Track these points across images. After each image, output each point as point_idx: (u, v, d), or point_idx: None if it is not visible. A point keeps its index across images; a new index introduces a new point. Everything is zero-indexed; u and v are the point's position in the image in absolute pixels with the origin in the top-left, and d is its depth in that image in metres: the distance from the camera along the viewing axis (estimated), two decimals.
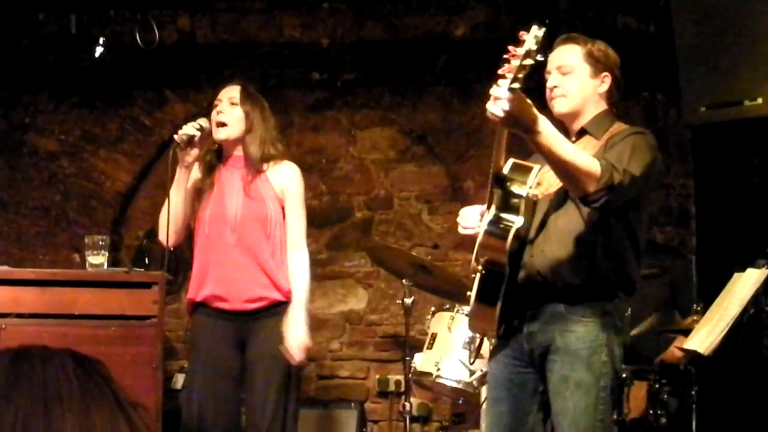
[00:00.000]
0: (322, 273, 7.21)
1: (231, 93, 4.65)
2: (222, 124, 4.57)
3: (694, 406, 5.17)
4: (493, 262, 3.62)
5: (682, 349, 4.82)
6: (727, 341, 4.52)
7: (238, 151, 4.65)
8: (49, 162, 7.20)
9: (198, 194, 4.61)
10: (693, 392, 5.18)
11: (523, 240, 3.69)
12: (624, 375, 5.04)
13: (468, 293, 3.82)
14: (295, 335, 4.44)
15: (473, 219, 3.77)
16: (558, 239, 3.69)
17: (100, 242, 4.89)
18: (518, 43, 3.17)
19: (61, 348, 1.72)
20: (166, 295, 5.19)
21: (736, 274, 4.68)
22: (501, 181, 3.61)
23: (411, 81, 7.13)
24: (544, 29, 3.20)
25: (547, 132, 3.42)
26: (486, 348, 4.28)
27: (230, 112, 4.59)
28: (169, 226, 4.49)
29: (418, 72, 7.10)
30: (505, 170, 3.63)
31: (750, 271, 4.64)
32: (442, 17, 6.96)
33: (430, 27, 7.00)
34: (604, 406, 3.67)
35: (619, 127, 3.81)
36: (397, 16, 7.00)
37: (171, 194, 4.50)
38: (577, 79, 3.80)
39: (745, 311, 4.54)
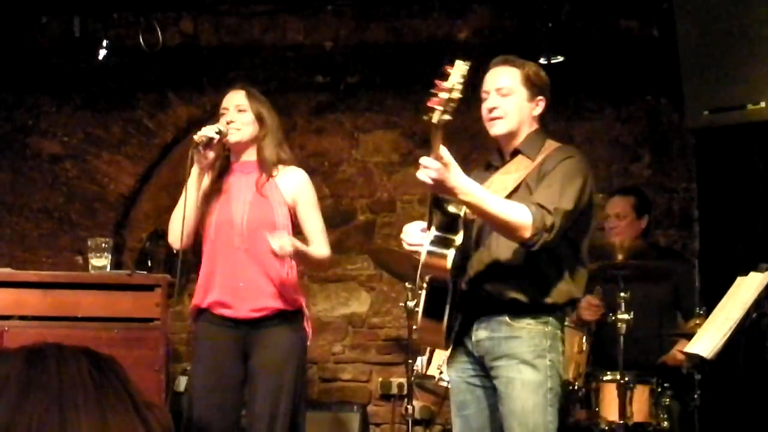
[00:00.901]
0: (324, 276, 7.21)
1: (237, 100, 4.57)
2: (235, 129, 4.51)
3: (696, 410, 5.18)
4: (436, 279, 3.75)
5: (685, 353, 4.82)
6: (730, 345, 4.51)
7: (248, 156, 4.59)
8: (52, 164, 7.21)
9: (206, 199, 4.54)
10: (696, 396, 5.18)
11: (464, 255, 3.84)
12: (626, 378, 5.06)
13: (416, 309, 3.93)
14: (285, 236, 4.36)
15: (417, 235, 3.88)
16: (502, 256, 3.84)
17: (103, 245, 4.89)
18: (444, 77, 3.44)
19: (75, 346, 1.71)
20: (169, 297, 5.19)
21: (739, 278, 4.67)
22: (438, 201, 3.75)
23: (414, 84, 7.12)
24: (468, 64, 3.45)
25: (474, 194, 3.60)
26: None
27: (239, 118, 4.52)
28: (183, 226, 4.48)
29: (421, 75, 7.08)
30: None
31: (753, 275, 4.63)
32: (446, 20, 6.96)
33: (433, 30, 7.00)
34: (553, 407, 3.83)
35: (550, 146, 3.96)
36: (400, 19, 7.00)
37: (186, 195, 4.47)
38: (515, 101, 3.93)
39: (747, 315, 4.53)
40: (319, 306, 7.19)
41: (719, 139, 6.02)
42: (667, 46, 6.02)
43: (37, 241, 7.17)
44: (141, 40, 6.63)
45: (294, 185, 4.56)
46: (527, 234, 3.64)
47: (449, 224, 3.77)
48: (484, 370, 3.92)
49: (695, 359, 4.72)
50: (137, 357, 4.64)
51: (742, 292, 4.59)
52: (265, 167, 4.51)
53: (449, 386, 4.15)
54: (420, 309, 3.81)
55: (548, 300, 3.85)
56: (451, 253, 3.69)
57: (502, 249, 3.84)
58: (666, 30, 6.22)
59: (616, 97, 6.97)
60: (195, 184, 4.48)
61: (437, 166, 3.51)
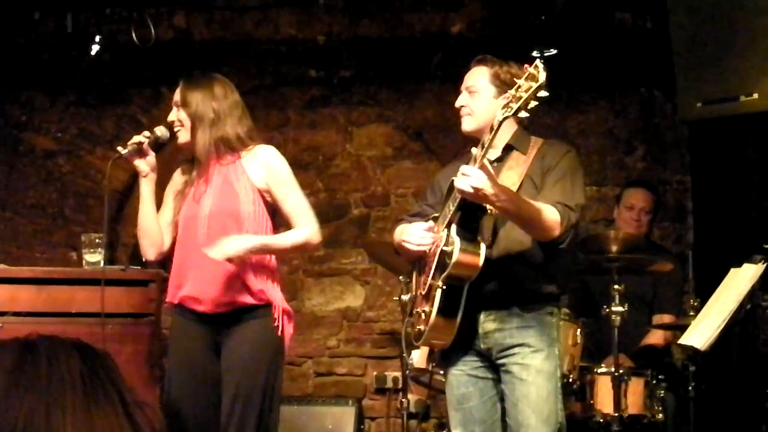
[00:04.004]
0: (319, 270, 7.22)
1: (176, 96, 4.41)
2: (177, 130, 4.36)
3: (691, 401, 5.18)
4: (458, 278, 3.80)
5: (679, 344, 4.83)
6: (724, 336, 4.52)
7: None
8: (45, 160, 7.20)
9: (180, 194, 4.41)
10: (690, 388, 5.19)
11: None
12: (621, 371, 5.07)
13: (418, 312, 3.99)
14: (231, 239, 4.14)
15: (425, 235, 3.98)
16: (515, 251, 3.92)
17: (97, 240, 4.89)
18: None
19: (69, 340, 1.70)
20: (163, 292, 5.18)
21: (733, 270, 4.68)
22: (465, 200, 3.75)
23: (407, 78, 7.14)
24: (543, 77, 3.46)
25: (511, 201, 3.67)
26: None
27: (177, 115, 4.36)
28: (142, 239, 4.40)
29: (415, 69, 7.11)
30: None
31: (747, 266, 4.64)
32: (439, 14, 6.96)
33: (427, 24, 7.00)
34: (561, 395, 3.97)
35: (537, 141, 4.07)
36: (394, 12, 7.00)
37: (140, 209, 4.38)
38: (482, 99, 4.01)
39: (741, 306, 4.54)
40: (313, 300, 7.20)
41: (713, 131, 6.02)
42: (660, 38, 6.02)
43: (31, 237, 7.17)
44: (134, 35, 6.60)
45: (262, 165, 4.30)
46: (557, 233, 3.78)
47: (473, 222, 3.83)
48: (486, 361, 4.00)
49: (689, 351, 4.73)
50: (131, 352, 4.64)
51: (736, 284, 4.60)
52: (204, 155, 4.29)
53: (446, 381, 4.15)
54: (434, 309, 3.82)
55: (553, 290, 4.00)
56: (483, 251, 3.77)
57: (512, 242, 3.91)
58: (659, 22, 6.23)
59: (610, 90, 6.98)
60: (147, 195, 4.38)
61: (480, 175, 3.55)
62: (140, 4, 6.71)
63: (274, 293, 4.28)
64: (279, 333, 4.24)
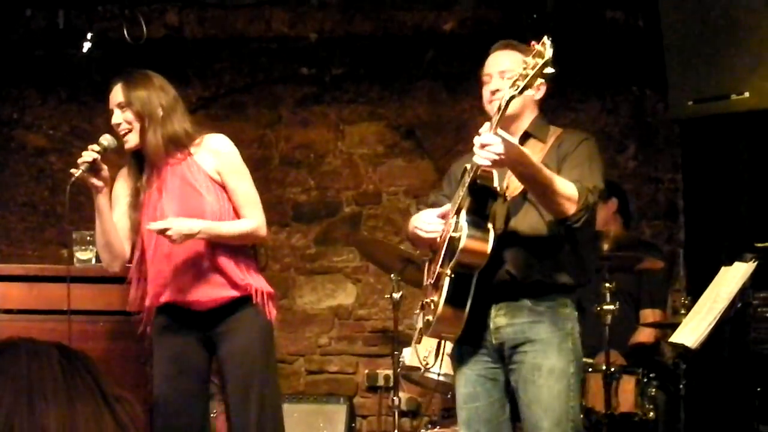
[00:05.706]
0: (310, 268, 7.21)
1: (116, 98, 4.20)
2: (125, 133, 4.20)
3: (682, 399, 5.19)
4: (466, 266, 3.72)
5: (670, 343, 4.84)
6: (715, 335, 4.53)
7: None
8: (37, 158, 7.19)
9: (134, 204, 4.29)
10: (681, 386, 5.19)
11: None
12: (612, 369, 5.08)
13: (427, 302, 3.90)
14: (180, 221, 4.06)
15: (435, 221, 3.91)
16: (527, 239, 3.82)
17: (88, 238, 4.88)
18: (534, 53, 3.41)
19: (47, 341, 1.72)
20: None
21: (723, 268, 4.70)
22: (474, 184, 3.72)
23: (399, 76, 7.14)
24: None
25: (535, 165, 3.59)
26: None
27: (123, 117, 4.19)
28: (105, 254, 4.29)
29: (407, 66, 7.11)
30: (470, 174, 3.73)
31: (737, 264, 4.65)
32: (431, 12, 6.96)
33: (419, 21, 7.00)
34: (574, 392, 3.87)
35: (556, 130, 4.00)
36: (386, 10, 7.00)
37: (99, 224, 4.23)
38: None
39: (732, 305, 4.55)
40: (305, 298, 7.19)
41: (704, 130, 6.03)
42: (652, 36, 6.04)
43: (22, 235, 7.16)
44: (125, 32, 6.59)
45: (212, 153, 4.20)
46: (573, 209, 3.66)
47: (483, 208, 3.74)
48: (499, 360, 3.91)
49: (680, 349, 4.75)
50: (122, 349, 4.64)
51: (727, 282, 4.62)
52: (158, 156, 4.17)
53: (456, 378, 4.09)
54: (442, 298, 3.73)
55: (568, 281, 3.88)
56: (491, 237, 3.68)
57: (525, 230, 3.82)
58: (651, 21, 6.24)
59: (602, 88, 6.99)
60: (105, 210, 4.23)
61: (499, 140, 3.48)
62: (132, 1, 6.70)
63: (257, 281, 4.27)
64: (268, 317, 4.26)
